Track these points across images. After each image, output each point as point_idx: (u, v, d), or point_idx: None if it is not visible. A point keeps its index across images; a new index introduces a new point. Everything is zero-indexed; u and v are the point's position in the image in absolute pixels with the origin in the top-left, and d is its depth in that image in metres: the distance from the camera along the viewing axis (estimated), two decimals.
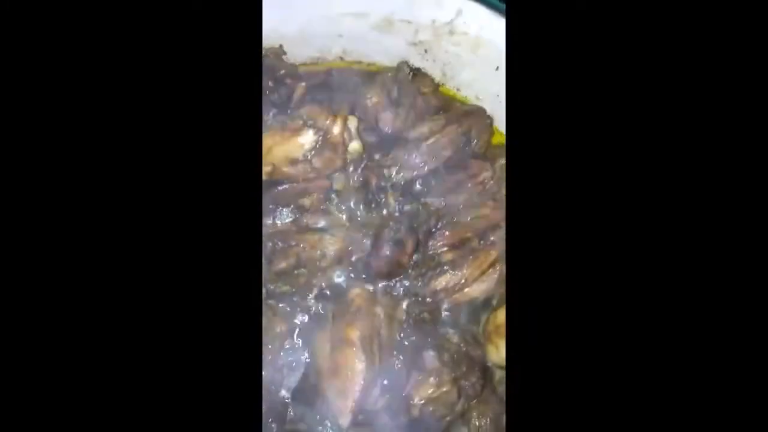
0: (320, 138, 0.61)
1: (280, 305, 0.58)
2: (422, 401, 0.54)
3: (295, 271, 0.58)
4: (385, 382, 0.55)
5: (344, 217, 0.64)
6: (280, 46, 0.72)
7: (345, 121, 0.61)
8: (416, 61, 0.73)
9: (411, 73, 0.71)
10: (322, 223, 0.63)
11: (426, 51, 0.72)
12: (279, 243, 0.58)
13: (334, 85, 0.73)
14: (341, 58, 0.79)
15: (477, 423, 0.53)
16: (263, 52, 0.71)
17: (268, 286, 0.57)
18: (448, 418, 0.53)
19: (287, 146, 0.61)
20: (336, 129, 0.61)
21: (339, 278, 0.61)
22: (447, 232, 0.60)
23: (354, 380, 0.52)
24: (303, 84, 0.71)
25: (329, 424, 0.52)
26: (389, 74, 0.71)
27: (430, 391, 0.54)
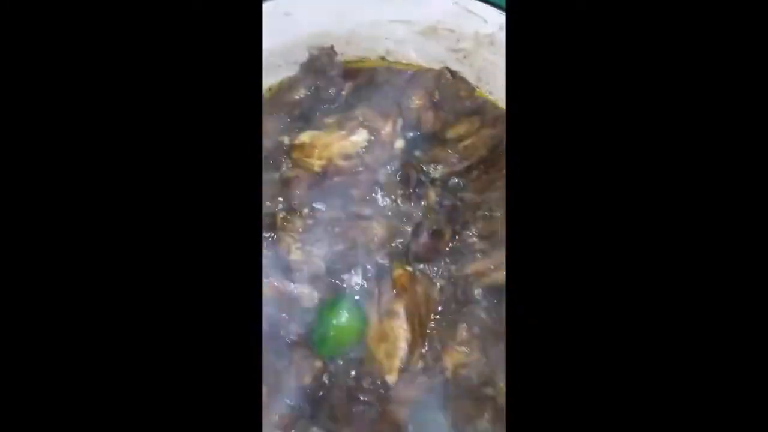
0: (372, 137, 0.69)
1: (335, 281, 0.67)
2: (455, 366, 0.64)
3: (350, 252, 0.67)
4: (424, 350, 0.65)
5: (387, 207, 0.73)
6: (331, 46, 0.79)
7: (395, 122, 0.69)
8: (454, 66, 0.80)
9: (451, 77, 0.78)
10: (367, 212, 0.72)
11: (465, 57, 0.79)
12: (336, 228, 0.67)
13: (379, 84, 0.80)
14: (383, 58, 0.85)
15: (502, 385, 0.63)
16: (316, 52, 0.78)
17: (327, 264, 0.66)
18: (476, 381, 0.64)
19: (344, 143, 0.69)
20: (387, 129, 0.69)
21: (383, 260, 0.70)
22: (480, 225, 0.69)
23: (400, 345, 0.62)
24: (351, 83, 0.78)
25: (378, 381, 0.63)
26: (430, 76, 0.78)
27: (461, 358, 0.65)
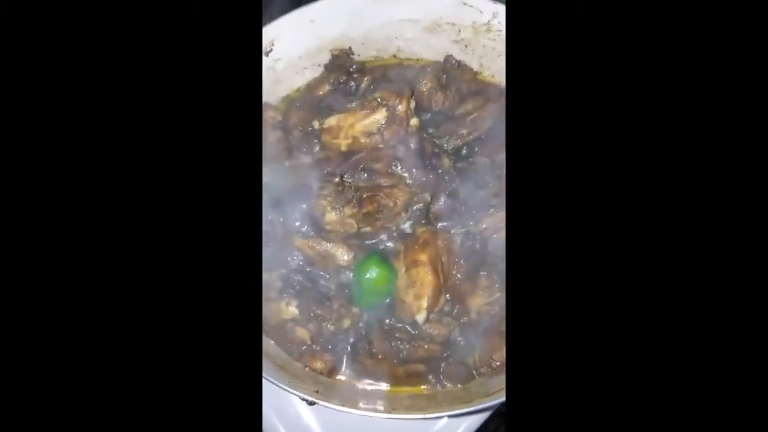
0: (390, 114, 0.79)
1: (366, 242, 0.76)
2: (479, 307, 0.71)
3: (376, 215, 0.76)
4: (448, 296, 0.72)
5: (406, 177, 0.82)
6: (349, 48, 0.91)
7: (408, 100, 0.79)
8: (458, 55, 0.91)
9: (456, 64, 0.88)
10: (389, 183, 0.81)
11: (466, 46, 0.89)
12: (364, 194, 0.76)
13: (392, 76, 0.91)
14: (395, 56, 0.97)
15: None
16: (337, 53, 0.90)
17: (358, 225, 0.75)
18: (499, 318, 0.70)
19: (365, 122, 0.79)
20: (401, 107, 0.79)
21: (406, 223, 0.79)
22: (491, 183, 0.77)
23: (426, 288, 0.69)
24: (368, 77, 0.90)
25: (407, 322, 0.70)
26: (438, 66, 0.89)
27: (483, 301, 0.71)
